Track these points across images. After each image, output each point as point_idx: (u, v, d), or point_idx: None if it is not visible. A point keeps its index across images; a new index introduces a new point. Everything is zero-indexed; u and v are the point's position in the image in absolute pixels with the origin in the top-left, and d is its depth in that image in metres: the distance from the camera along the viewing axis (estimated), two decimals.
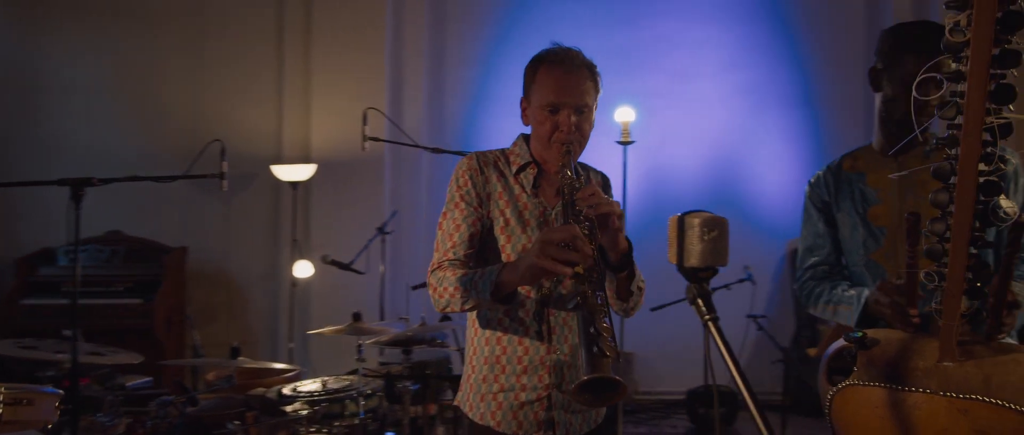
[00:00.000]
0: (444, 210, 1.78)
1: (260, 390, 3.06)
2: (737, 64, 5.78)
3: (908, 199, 1.90)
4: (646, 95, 5.71)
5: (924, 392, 1.45)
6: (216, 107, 5.67)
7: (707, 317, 1.22)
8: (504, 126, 5.73)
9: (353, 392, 2.81)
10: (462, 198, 1.76)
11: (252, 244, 5.69)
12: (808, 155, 5.80)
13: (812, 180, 2.12)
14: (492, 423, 1.74)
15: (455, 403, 1.88)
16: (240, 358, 2.81)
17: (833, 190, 2.04)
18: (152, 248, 5.27)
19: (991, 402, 1.38)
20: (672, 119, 5.76)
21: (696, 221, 1.24)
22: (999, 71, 1.15)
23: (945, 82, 1.83)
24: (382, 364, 3.74)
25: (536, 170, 1.81)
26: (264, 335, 5.61)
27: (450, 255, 1.71)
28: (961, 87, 1.18)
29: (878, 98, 1.96)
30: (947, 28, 1.18)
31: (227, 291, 5.68)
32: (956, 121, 1.22)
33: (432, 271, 1.71)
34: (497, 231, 1.76)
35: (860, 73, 5.73)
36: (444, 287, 1.65)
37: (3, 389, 2.29)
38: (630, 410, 5.32)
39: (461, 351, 3.47)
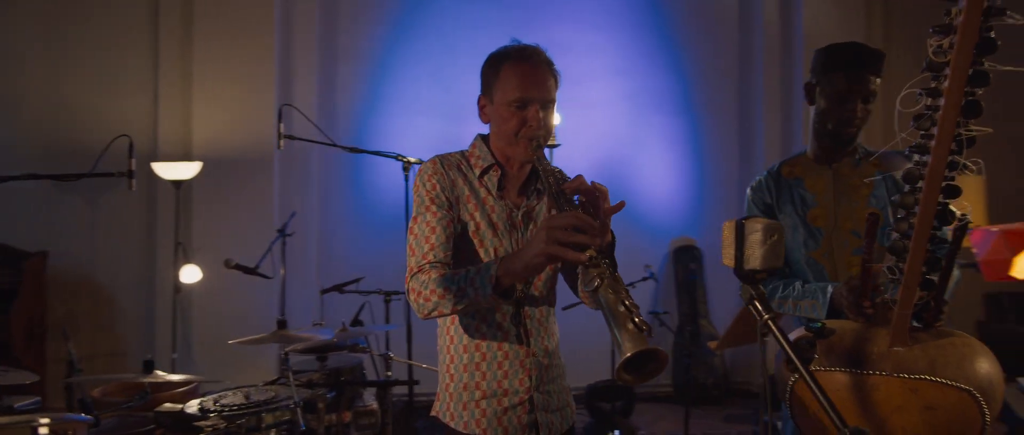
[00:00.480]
0: (414, 215, 1.73)
1: (168, 406, 2.84)
2: (624, 70, 6.03)
3: (842, 203, 2.11)
4: None
5: (880, 374, 1.61)
6: (80, 99, 5.20)
7: (767, 317, 1.28)
8: (397, 125, 5.65)
9: (280, 403, 2.68)
10: (433, 201, 1.72)
11: (123, 248, 5.26)
12: (687, 159, 6.14)
13: (754, 184, 2.27)
14: (478, 431, 1.72)
15: (433, 414, 1.82)
16: (156, 372, 2.59)
17: (775, 194, 2.20)
18: (7, 253, 4.75)
19: (937, 381, 1.57)
20: (565, 121, 5.92)
21: (759, 226, 1.30)
22: (971, 89, 1.30)
23: (870, 98, 2.06)
24: (292, 372, 3.58)
25: (500, 172, 1.80)
26: (137, 346, 5.20)
27: (430, 258, 1.66)
28: (939, 101, 1.32)
29: (812, 111, 2.15)
30: (930, 49, 1.31)
31: (93, 299, 5.22)
32: (930, 132, 1.36)
33: (412, 276, 1.66)
34: (470, 235, 1.74)
35: (733, 83, 6.17)
36: (430, 289, 1.60)
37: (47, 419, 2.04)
38: None
39: (385, 356, 3.39)
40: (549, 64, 1.75)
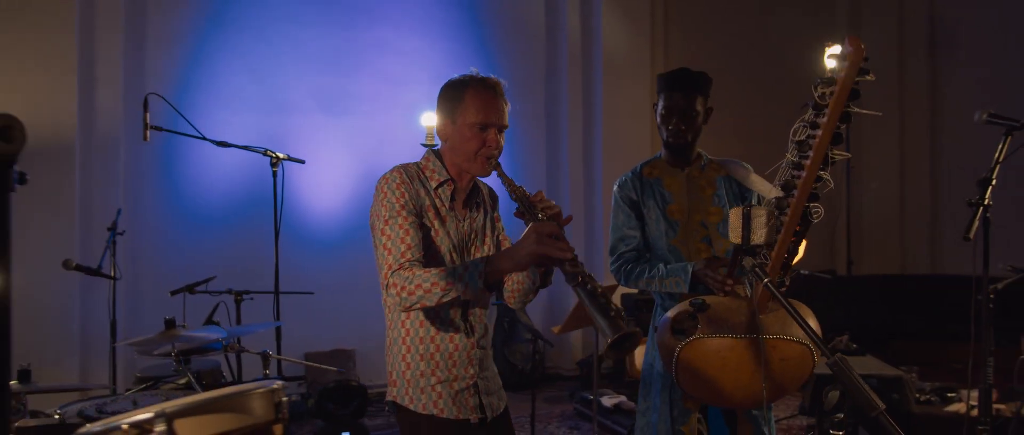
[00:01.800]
0: (385, 219, 1.89)
1: (30, 422, 2.62)
2: (444, 75, 6.24)
3: (693, 200, 2.61)
4: (359, 98, 5.95)
5: (749, 337, 2.10)
6: None
7: (766, 280, 1.67)
8: (215, 118, 5.39)
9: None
10: (403, 207, 1.90)
11: None
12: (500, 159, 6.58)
13: (620, 183, 2.68)
14: (435, 411, 1.94)
15: (390, 399, 2.01)
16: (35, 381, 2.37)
17: (639, 191, 2.63)
18: None
19: (787, 338, 2.11)
20: (389, 122, 6.06)
21: (763, 211, 1.74)
22: (839, 125, 1.78)
23: (693, 116, 2.53)
24: (145, 377, 3.40)
25: (453, 186, 2.02)
26: None
27: (409, 256, 1.85)
28: (816, 132, 1.80)
29: (657, 118, 2.62)
30: (816, 94, 1.78)
31: None
32: (806, 155, 1.83)
33: (392, 272, 1.82)
34: (431, 240, 1.95)
35: (539, 89, 6.72)
36: (416, 284, 1.78)
37: None
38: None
39: (263, 355, 3.34)
40: (504, 94, 2.01)
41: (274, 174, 3.57)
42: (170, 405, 1.48)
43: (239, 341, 3.69)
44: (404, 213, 1.89)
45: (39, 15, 4.71)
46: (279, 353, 3.83)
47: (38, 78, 4.71)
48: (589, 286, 1.72)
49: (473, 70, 2.03)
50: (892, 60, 7.54)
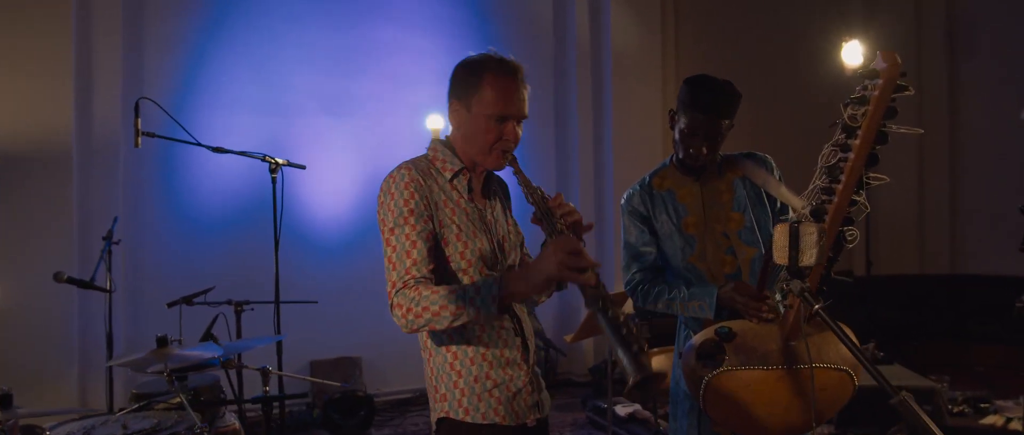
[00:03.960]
0: (390, 228, 1.71)
1: None
2: (450, 75, 6.16)
3: (710, 209, 2.37)
4: (363, 99, 5.83)
5: (782, 368, 1.95)
6: None
7: (817, 306, 1.51)
8: (216, 121, 5.28)
9: (173, 429, 2.49)
10: (411, 213, 1.71)
11: None
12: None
13: (628, 196, 2.46)
14: (497, 419, 1.77)
15: (443, 415, 1.80)
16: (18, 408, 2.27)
17: (649, 205, 2.41)
18: None
19: (823, 367, 1.95)
20: (393, 123, 5.94)
21: (812, 229, 1.54)
22: (875, 146, 1.64)
23: (717, 138, 2.33)
24: (141, 394, 3.29)
25: (468, 175, 1.84)
26: None
27: (414, 273, 1.67)
28: (848, 155, 1.65)
29: (675, 131, 2.36)
30: (846, 115, 1.63)
31: None
32: (838, 179, 1.69)
33: (396, 291, 1.67)
34: (451, 238, 1.76)
35: (548, 90, 6.57)
36: (423, 306, 1.62)
37: None
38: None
39: (263, 371, 3.22)
40: (524, 80, 1.81)
41: (273, 180, 3.44)
42: None
43: (239, 358, 3.59)
44: (412, 220, 1.71)
45: (34, 18, 4.61)
46: (280, 366, 3.71)
47: (34, 83, 4.62)
48: (610, 313, 1.53)
49: (491, 50, 1.82)
50: (910, 57, 7.34)
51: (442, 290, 1.64)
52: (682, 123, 2.29)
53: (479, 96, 1.76)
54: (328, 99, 5.73)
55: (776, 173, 2.41)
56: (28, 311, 4.47)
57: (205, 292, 3.73)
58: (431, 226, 1.74)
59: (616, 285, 5.24)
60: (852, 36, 6.48)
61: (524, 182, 1.76)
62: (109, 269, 3.80)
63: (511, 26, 6.44)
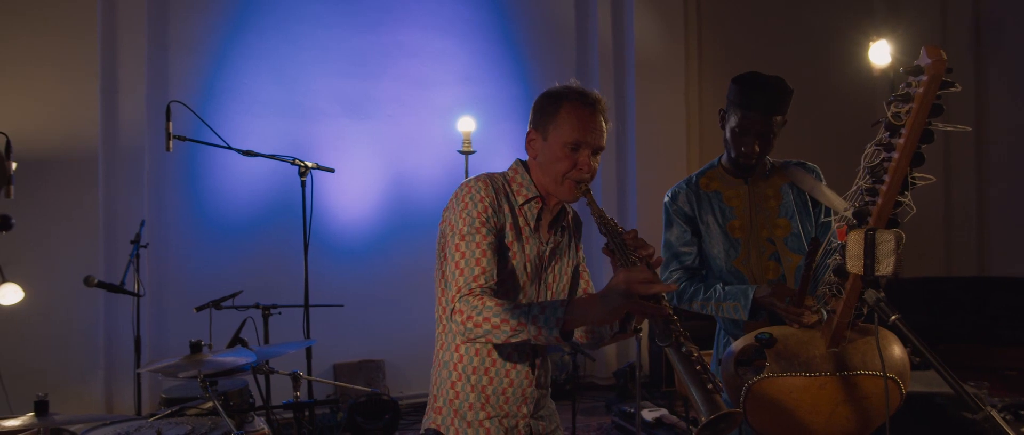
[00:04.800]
0: (462, 234, 1.72)
1: None
2: (472, 78, 6.17)
3: (757, 213, 2.36)
4: (385, 101, 5.84)
5: (825, 375, 1.91)
6: None
7: (894, 317, 1.46)
8: (238, 123, 5.32)
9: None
10: (483, 224, 1.72)
11: None
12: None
13: (673, 193, 2.44)
14: None
15: (431, 426, 1.83)
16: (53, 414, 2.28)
17: (695, 205, 2.39)
18: None
19: (869, 374, 1.89)
20: (418, 126, 5.95)
21: (890, 236, 1.48)
22: (921, 143, 1.61)
23: (769, 136, 2.31)
24: (170, 399, 3.31)
25: (540, 204, 1.84)
26: None
27: (482, 282, 1.68)
28: (892, 154, 1.62)
29: (725, 131, 2.35)
30: (890, 113, 1.60)
31: None
32: (882, 179, 1.66)
33: (461, 297, 1.66)
34: (508, 262, 1.76)
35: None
36: (485, 316, 1.61)
37: None
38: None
39: (293, 376, 3.23)
40: (605, 112, 1.81)
41: (303, 184, 3.45)
42: None
43: (268, 363, 3.60)
44: (483, 230, 1.71)
45: (60, 22, 4.65)
46: (309, 369, 3.73)
47: (60, 87, 4.66)
48: (684, 349, 1.49)
49: (573, 81, 1.84)
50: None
51: (506, 303, 1.63)
52: (733, 122, 2.28)
53: (556, 123, 1.77)
54: (350, 102, 5.75)
55: (823, 183, 2.38)
56: (55, 315, 4.52)
57: (233, 296, 3.75)
58: (498, 240, 1.75)
59: None
60: (880, 36, 6.42)
61: (597, 212, 1.76)
62: (137, 271, 3.82)
63: (533, 29, 6.43)
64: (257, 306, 3.77)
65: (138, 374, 3.86)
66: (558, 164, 1.77)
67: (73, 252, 4.58)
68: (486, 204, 1.74)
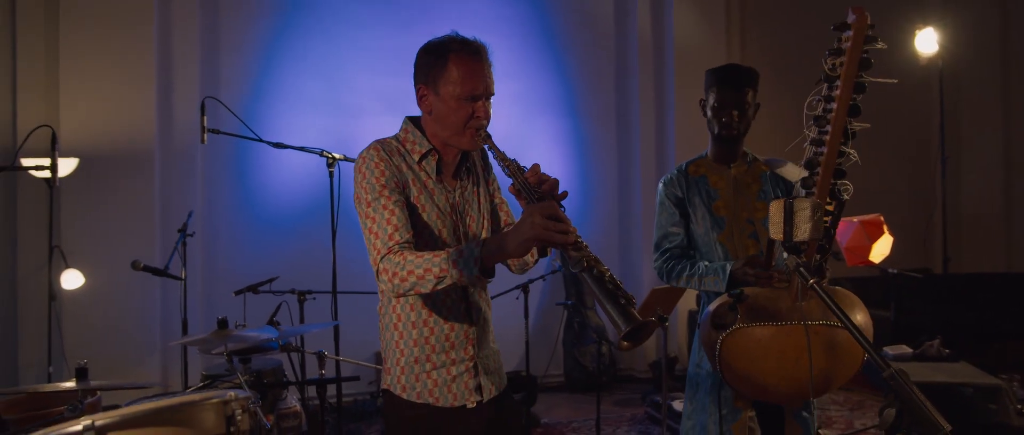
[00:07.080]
0: (368, 202, 1.78)
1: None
2: (512, 74, 6.28)
3: (739, 197, 2.57)
4: None
5: (792, 324, 1.98)
6: None
7: (812, 280, 1.53)
8: (283, 120, 5.57)
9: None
10: (384, 186, 1.78)
11: None
12: (571, 160, 6.46)
13: (666, 180, 2.67)
14: (430, 400, 1.85)
15: (385, 388, 1.90)
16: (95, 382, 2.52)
17: (685, 189, 2.62)
18: None
19: (833, 325, 1.97)
20: None
21: (806, 204, 1.58)
22: (854, 96, 1.67)
23: (745, 108, 2.47)
24: (208, 376, 3.56)
25: (437, 157, 1.89)
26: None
27: (398, 238, 1.73)
28: (832, 105, 1.69)
29: (707, 112, 2.60)
30: (826, 67, 1.68)
31: None
32: (825, 129, 1.72)
33: (382, 257, 1.72)
34: (419, 218, 1.83)
35: (609, 87, 6.61)
36: (408, 270, 1.67)
37: None
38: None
39: (319, 355, 3.42)
40: (489, 57, 1.86)
41: (330, 174, 3.66)
42: (103, 417, 1.44)
43: (300, 340, 3.82)
44: (386, 192, 1.77)
45: (119, 30, 5.01)
46: (338, 352, 3.92)
47: (120, 90, 5.01)
48: (595, 271, 1.60)
49: (453, 32, 1.87)
50: (993, 44, 6.98)
51: (426, 254, 1.68)
52: (712, 100, 2.55)
53: (445, 76, 1.80)
54: (390, 98, 5.96)
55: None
56: (114, 297, 4.86)
57: (269, 281, 3.98)
58: (403, 199, 1.81)
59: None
60: (927, 23, 6.24)
61: (500, 156, 1.81)
62: (183, 259, 4.10)
63: (573, 23, 6.50)
64: (292, 291, 4.00)
65: (185, 352, 4.14)
66: (455, 115, 1.81)
67: (131, 240, 4.90)
68: (382, 168, 1.80)
